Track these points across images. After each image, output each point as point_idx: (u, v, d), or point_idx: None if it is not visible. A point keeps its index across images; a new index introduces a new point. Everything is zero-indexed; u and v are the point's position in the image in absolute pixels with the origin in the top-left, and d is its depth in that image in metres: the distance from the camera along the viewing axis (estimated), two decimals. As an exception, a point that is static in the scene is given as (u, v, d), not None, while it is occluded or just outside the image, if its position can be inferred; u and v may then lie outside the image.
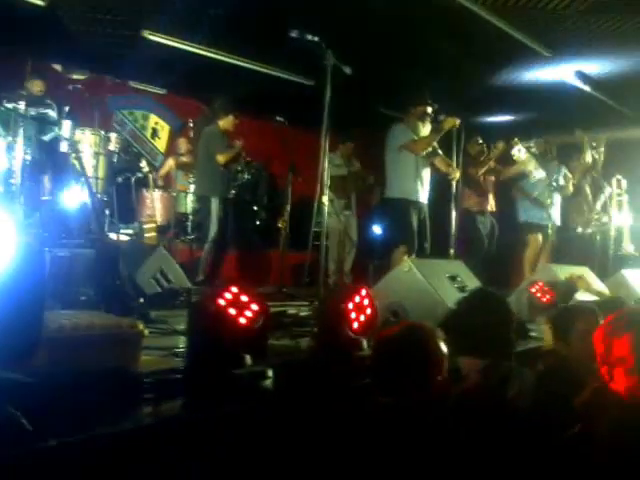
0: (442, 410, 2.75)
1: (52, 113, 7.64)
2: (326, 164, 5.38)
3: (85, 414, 2.50)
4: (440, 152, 7.70)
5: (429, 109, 7.51)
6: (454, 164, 7.49)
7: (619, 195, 9.45)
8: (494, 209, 9.01)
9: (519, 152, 8.44)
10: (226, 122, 7.71)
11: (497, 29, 7.35)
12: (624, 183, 9.51)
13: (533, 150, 8.70)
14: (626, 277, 7.43)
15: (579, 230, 9.34)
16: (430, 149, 7.56)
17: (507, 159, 8.91)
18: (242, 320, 3.13)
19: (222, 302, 3.13)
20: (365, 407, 2.81)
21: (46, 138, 7.27)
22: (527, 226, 9.04)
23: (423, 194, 7.60)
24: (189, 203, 8.73)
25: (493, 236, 8.93)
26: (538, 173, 8.96)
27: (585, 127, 10.18)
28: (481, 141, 8.69)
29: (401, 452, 2.53)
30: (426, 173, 7.63)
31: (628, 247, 9.41)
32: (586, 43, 7.88)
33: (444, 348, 2.83)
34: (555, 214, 8.94)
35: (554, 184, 8.60)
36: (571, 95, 9.59)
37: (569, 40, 7.79)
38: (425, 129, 7.53)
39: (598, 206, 9.55)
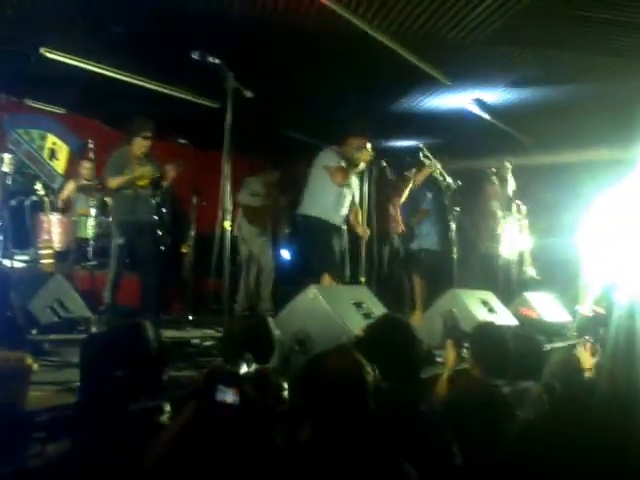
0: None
1: None
2: (228, 188, 5.26)
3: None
4: (357, 201, 7.67)
5: (366, 142, 7.43)
6: (364, 224, 7.48)
7: (519, 220, 9.62)
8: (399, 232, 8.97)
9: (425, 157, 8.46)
10: (135, 143, 7.37)
11: (398, 56, 7.38)
12: (524, 208, 9.70)
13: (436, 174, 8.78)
14: (528, 300, 7.56)
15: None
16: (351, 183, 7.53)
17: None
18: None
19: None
20: (281, 444, 2.68)
21: None
22: (419, 252, 9.14)
23: (343, 221, 7.52)
24: (90, 228, 8.43)
25: (398, 258, 8.88)
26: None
27: (486, 154, 10.41)
28: (388, 170, 8.68)
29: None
30: (347, 200, 7.53)
31: (530, 271, 9.60)
32: (485, 72, 8.03)
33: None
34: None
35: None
36: (472, 122, 9.78)
37: (468, 69, 7.91)
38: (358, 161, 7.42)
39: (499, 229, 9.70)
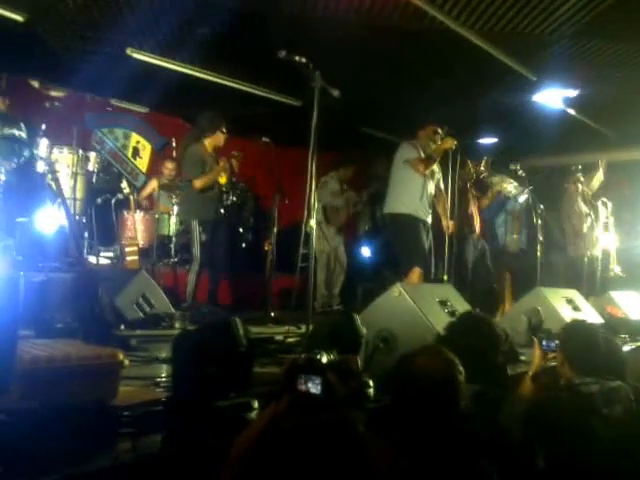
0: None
1: (20, 133, 7.33)
2: (314, 187, 5.26)
3: (60, 452, 2.38)
4: (442, 188, 7.67)
5: (437, 129, 7.49)
6: (448, 217, 7.53)
7: (605, 217, 9.42)
8: (478, 233, 8.89)
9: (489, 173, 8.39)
10: (215, 139, 7.45)
11: (484, 53, 7.33)
12: (610, 205, 9.48)
13: (520, 173, 8.62)
14: (614, 299, 7.39)
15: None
16: (434, 172, 7.55)
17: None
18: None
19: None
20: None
21: (17, 161, 6.91)
22: (507, 251, 8.99)
23: (429, 215, 7.51)
24: (172, 225, 8.54)
25: (484, 258, 8.78)
26: (520, 196, 8.93)
27: (571, 150, 10.20)
28: (470, 165, 8.63)
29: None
30: (431, 195, 7.53)
31: (615, 269, 9.37)
32: (571, 67, 7.91)
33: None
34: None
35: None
36: (557, 118, 9.62)
37: (554, 64, 7.81)
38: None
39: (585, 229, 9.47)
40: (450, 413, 2.61)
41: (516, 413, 3.41)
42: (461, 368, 2.69)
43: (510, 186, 8.75)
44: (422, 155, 7.37)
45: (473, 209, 8.70)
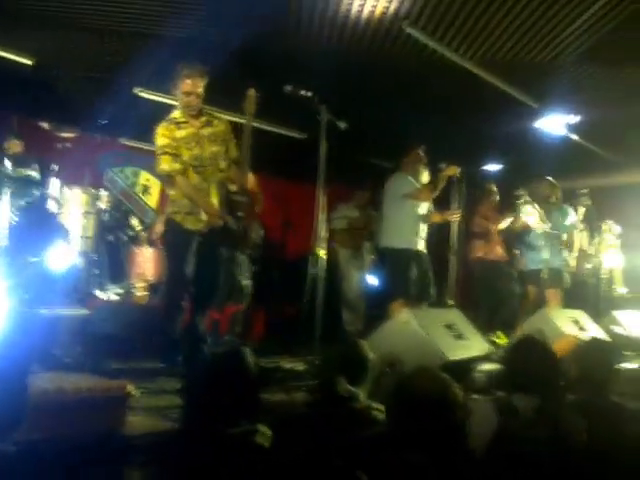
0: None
1: (35, 174, 7.44)
2: (321, 217, 5.32)
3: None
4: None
5: (420, 152, 7.48)
6: (450, 211, 7.52)
7: (611, 239, 9.46)
8: (504, 258, 8.91)
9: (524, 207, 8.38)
10: None
11: (485, 81, 7.40)
12: (616, 228, 9.51)
13: (526, 199, 8.64)
14: (618, 318, 7.41)
15: None
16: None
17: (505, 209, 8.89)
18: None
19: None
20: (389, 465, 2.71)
21: (28, 200, 7.01)
22: (530, 274, 8.94)
23: (423, 243, 7.45)
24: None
25: (508, 281, 8.78)
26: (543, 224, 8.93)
27: (574, 175, 10.23)
28: (495, 189, 8.66)
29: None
30: (424, 224, 7.50)
31: (620, 289, 9.39)
32: (573, 93, 7.95)
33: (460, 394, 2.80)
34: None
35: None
36: (560, 144, 9.62)
37: (556, 91, 7.83)
38: (425, 172, 7.46)
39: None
40: (448, 425, 2.68)
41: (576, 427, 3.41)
42: (456, 386, 2.77)
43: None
44: (417, 184, 7.35)
45: (493, 232, 8.71)
